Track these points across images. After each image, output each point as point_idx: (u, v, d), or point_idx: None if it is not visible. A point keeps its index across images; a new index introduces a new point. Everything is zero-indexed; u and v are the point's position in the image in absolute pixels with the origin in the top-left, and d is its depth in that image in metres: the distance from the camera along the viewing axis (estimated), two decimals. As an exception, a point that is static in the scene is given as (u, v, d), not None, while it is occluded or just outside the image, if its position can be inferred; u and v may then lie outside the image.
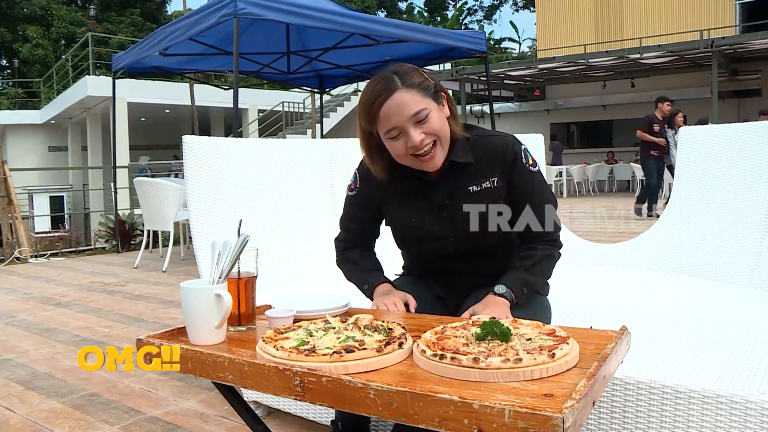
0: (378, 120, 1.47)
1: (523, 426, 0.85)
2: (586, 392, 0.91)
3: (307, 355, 1.08)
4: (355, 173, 1.70)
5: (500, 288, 1.48)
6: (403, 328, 1.23)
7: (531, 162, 1.58)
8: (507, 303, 1.46)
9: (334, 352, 1.08)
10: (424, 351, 1.08)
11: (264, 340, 1.18)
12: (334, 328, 1.25)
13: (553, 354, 1.03)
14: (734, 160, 2.40)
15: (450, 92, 1.63)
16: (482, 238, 1.58)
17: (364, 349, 1.09)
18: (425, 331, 1.20)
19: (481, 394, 0.93)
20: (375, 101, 1.46)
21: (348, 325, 1.27)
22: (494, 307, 1.43)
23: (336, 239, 1.80)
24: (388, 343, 1.11)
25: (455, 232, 1.60)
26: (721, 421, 1.30)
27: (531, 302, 1.62)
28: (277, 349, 1.12)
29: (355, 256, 1.73)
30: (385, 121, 1.46)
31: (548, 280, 1.75)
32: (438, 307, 1.65)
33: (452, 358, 1.03)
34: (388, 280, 1.66)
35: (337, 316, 1.36)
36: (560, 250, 1.64)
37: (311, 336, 1.21)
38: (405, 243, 1.72)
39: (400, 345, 1.13)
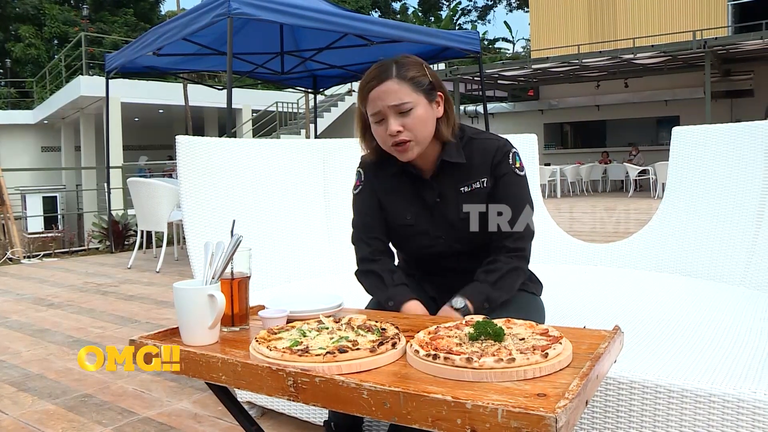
0: (367, 102, 1.54)
1: (516, 426, 0.85)
2: (579, 392, 0.92)
3: (300, 356, 1.08)
4: (357, 171, 1.72)
5: (458, 302, 1.48)
6: (397, 328, 1.23)
7: (518, 165, 1.60)
8: (460, 319, 1.42)
9: (327, 353, 1.08)
10: (417, 351, 1.08)
11: (257, 341, 1.17)
12: (327, 328, 1.25)
13: (546, 354, 1.03)
14: (726, 160, 2.41)
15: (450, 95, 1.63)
16: (471, 237, 1.60)
17: (357, 349, 1.09)
18: (419, 331, 1.20)
19: (474, 394, 0.94)
20: (367, 84, 1.53)
21: (341, 325, 1.27)
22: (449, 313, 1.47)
23: (355, 248, 1.70)
24: (381, 344, 1.11)
25: (446, 231, 1.62)
26: (713, 420, 1.31)
27: (524, 302, 1.63)
28: (270, 350, 1.12)
29: (378, 269, 1.63)
30: (371, 105, 1.53)
31: (541, 283, 1.76)
32: (431, 307, 1.65)
33: (445, 358, 1.03)
34: (416, 298, 1.56)
35: (330, 316, 1.36)
36: (526, 265, 1.60)
37: (304, 336, 1.20)
38: (399, 240, 1.72)
39: (393, 345, 1.13)
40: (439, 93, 1.56)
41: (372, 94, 1.51)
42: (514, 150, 1.61)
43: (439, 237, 1.64)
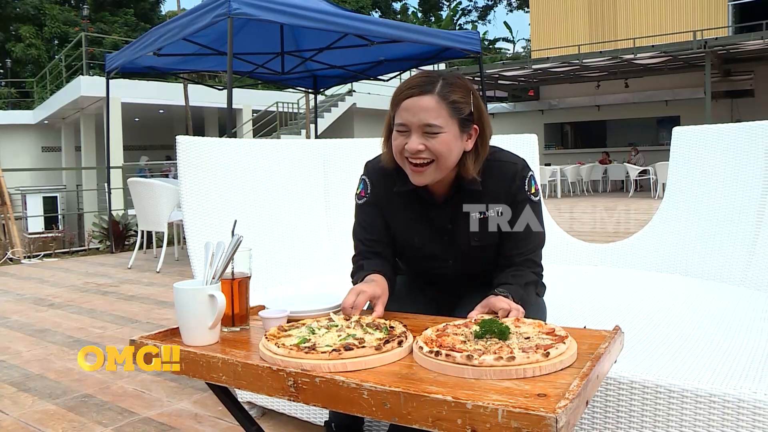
0: (397, 108, 1.45)
1: (516, 426, 0.85)
2: (579, 392, 0.92)
3: (306, 353, 1.08)
4: (363, 180, 1.64)
5: (501, 290, 1.43)
6: (405, 326, 1.23)
7: (533, 191, 1.55)
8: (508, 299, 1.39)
9: (333, 350, 1.08)
10: (421, 347, 1.09)
11: (267, 338, 1.18)
12: (336, 325, 1.25)
13: (548, 353, 1.03)
14: (727, 160, 2.41)
15: (490, 134, 1.54)
16: (481, 262, 1.59)
17: (363, 347, 1.10)
18: (427, 328, 1.20)
19: (474, 395, 0.94)
20: (404, 91, 1.44)
21: (351, 323, 1.27)
22: (496, 301, 1.35)
23: (352, 257, 1.66)
24: (387, 342, 1.12)
25: (456, 255, 1.60)
26: (713, 421, 1.31)
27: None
28: (278, 347, 1.12)
29: (365, 262, 1.60)
30: (400, 113, 1.44)
31: (545, 285, 1.76)
32: (431, 307, 1.65)
33: (447, 355, 1.04)
34: (381, 274, 1.52)
35: (337, 313, 1.37)
36: (540, 272, 1.60)
37: (313, 333, 1.21)
38: (405, 259, 1.71)
39: (400, 343, 1.13)
40: (474, 126, 1.47)
41: (406, 103, 1.42)
42: (530, 173, 1.55)
43: (448, 260, 1.61)
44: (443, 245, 1.59)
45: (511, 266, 1.54)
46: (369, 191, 1.62)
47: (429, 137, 1.42)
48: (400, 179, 1.55)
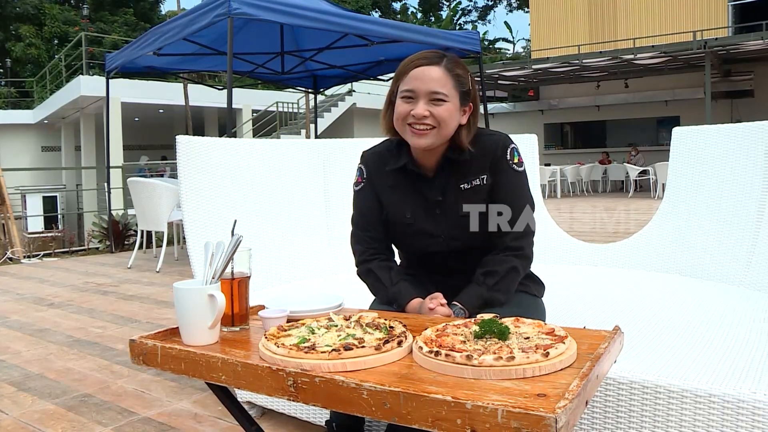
0: (405, 77, 1.55)
1: (516, 426, 0.85)
2: (579, 392, 0.92)
3: (306, 353, 1.08)
4: (359, 167, 1.73)
5: (458, 312, 1.50)
6: (404, 326, 1.23)
7: (517, 161, 1.61)
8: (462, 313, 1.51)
9: (333, 350, 1.08)
10: (421, 348, 1.09)
11: (266, 338, 1.18)
12: (336, 325, 1.26)
13: (547, 353, 1.03)
14: (727, 161, 2.41)
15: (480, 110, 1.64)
16: (471, 236, 1.60)
17: (363, 347, 1.10)
18: (426, 328, 1.20)
19: (474, 395, 0.94)
20: (414, 61, 1.55)
21: (351, 323, 1.27)
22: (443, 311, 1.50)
23: (352, 245, 1.74)
24: (387, 342, 1.12)
25: (446, 229, 1.63)
26: (713, 421, 1.31)
27: (525, 304, 1.63)
28: (278, 346, 1.12)
29: (376, 268, 1.67)
30: (408, 81, 1.53)
31: (543, 284, 1.77)
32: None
33: (446, 355, 1.04)
34: (418, 296, 1.58)
35: (337, 313, 1.37)
36: (526, 263, 1.62)
37: (313, 333, 1.21)
38: (399, 239, 1.73)
39: (399, 343, 1.13)
40: (470, 103, 1.57)
41: (415, 72, 1.52)
42: (513, 145, 1.62)
43: (439, 236, 1.64)
44: (435, 220, 1.63)
45: (494, 250, 1.59)
46: (365, 176, 1.71)
47: (434, 104, 1.51)
48: (393, 159, 1.65)
